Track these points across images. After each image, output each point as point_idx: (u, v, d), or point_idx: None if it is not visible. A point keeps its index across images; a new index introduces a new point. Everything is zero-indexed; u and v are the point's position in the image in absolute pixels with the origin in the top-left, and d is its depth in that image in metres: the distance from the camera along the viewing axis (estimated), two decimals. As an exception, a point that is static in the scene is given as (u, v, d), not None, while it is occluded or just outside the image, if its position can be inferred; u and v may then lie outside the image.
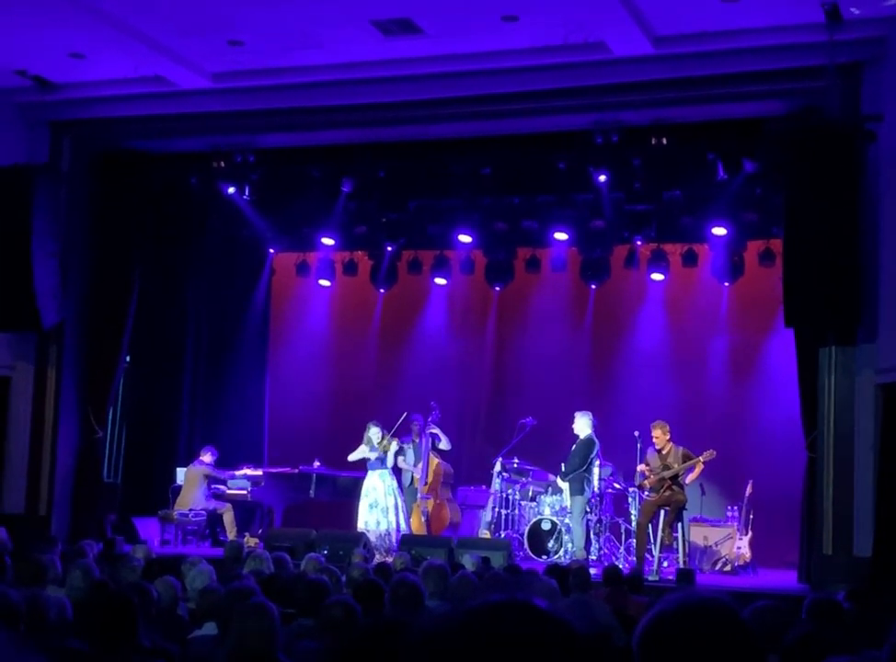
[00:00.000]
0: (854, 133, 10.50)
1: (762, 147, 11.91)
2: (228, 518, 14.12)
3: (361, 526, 13.41)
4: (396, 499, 13.63)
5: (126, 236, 13.95)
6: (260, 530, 14.26)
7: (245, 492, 14.54)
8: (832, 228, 10.56)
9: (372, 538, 12.96)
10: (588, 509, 13.06)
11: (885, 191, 10.72)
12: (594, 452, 13.03)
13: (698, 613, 1.63)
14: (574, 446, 13.13)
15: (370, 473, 13.73)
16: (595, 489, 13.28)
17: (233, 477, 14.60)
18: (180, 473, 14.73)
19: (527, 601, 1.33)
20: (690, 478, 12.51)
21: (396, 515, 13.56)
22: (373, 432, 13.76)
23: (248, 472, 14.66)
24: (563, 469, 13.13)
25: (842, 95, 10.87)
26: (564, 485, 13.21)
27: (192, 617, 6.48)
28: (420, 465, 14.03)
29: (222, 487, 14.54)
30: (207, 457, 14.30)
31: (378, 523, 13.39)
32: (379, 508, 13.48)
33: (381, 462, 13.71)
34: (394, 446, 13.78)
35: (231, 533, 13.90)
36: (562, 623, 1.31)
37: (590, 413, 13.27)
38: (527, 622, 1.30)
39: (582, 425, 13.16)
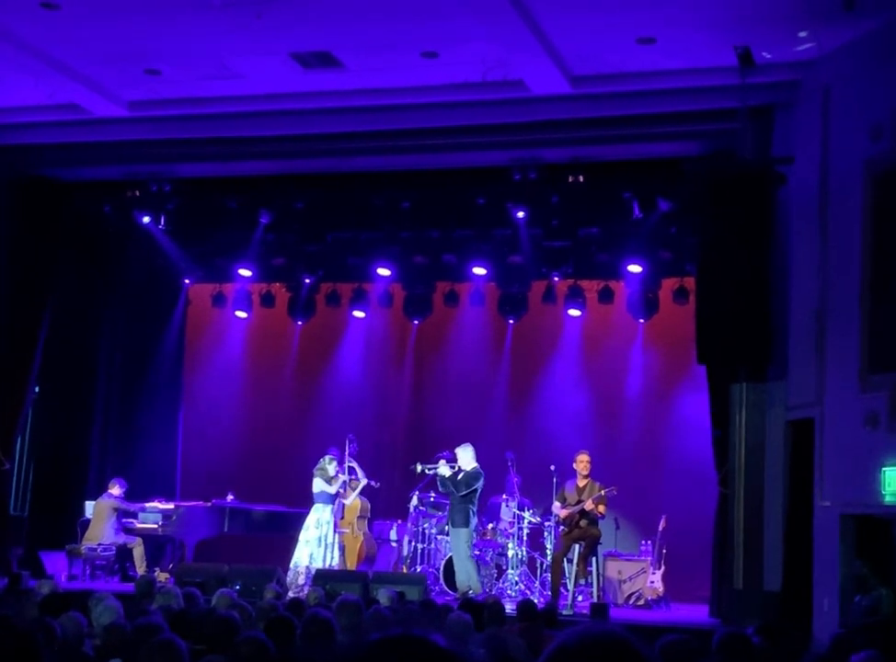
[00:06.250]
0: (765, 175, 10.72)
1: (676, 187, 12.13)
2: (138, 552, 13.84)
3: (304, 561, 13.05)
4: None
5: (39, 264, 13.69)
6: (171, 565, 13.99)
7: (156, 526, 14.26)
8: (744, 267, 10.77)
9: (305, 574, 12.74)
10: (470, 542, 12.56)
11: (794, 232, 10.95)
12: (480, 483, 12.72)
13: (597, 646, 1.63)
14: (460, 475, 12.68)
15: (322, 506, 13.38)
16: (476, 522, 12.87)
17: (143, 509, 14.32)
18: (89, 506, 14.41)
19: (423, 636, 1.32)
20: (601, 509, 12.39)
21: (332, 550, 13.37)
22: (332, 466, 13.54)
23: (159, 505, 14.39)
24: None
25: (754, 137, 11.10)
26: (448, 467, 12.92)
27: (98, 654, 6.32)
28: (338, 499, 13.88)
29: (132, 521, 14.26)
30: (115, 489, 14.01)
31: (322, 558, 13.14)
32: (325, 544, 13.25)
33: (333, 496, 13.50)
34: (341, 479, 13.63)
35: (141, 568, 13.63)
36: (457, 658, 1.30)
37: (470, 444, 12.95)
38: (420, 657, 1.28)
39: (466, 458, 12.79)
